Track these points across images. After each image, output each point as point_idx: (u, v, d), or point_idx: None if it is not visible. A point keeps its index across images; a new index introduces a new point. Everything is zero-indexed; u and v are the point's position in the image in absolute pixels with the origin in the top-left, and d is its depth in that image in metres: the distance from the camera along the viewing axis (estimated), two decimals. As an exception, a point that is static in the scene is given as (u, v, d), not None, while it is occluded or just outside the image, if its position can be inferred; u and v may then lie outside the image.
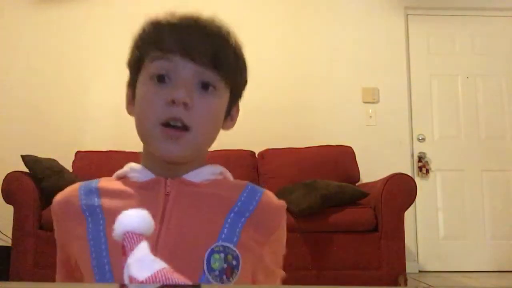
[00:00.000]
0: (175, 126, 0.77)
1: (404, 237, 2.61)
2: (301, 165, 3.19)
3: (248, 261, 0.77)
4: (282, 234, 0.85)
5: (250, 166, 3.27)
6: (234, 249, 0.75)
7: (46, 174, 2.74)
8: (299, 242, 2.60)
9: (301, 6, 3.80)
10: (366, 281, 2.55)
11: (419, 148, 3.71)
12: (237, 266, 0.74)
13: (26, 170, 2.77)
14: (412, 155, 3.70)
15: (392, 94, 3.73)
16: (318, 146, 3.34)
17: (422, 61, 3.82)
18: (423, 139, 3.72)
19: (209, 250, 0.74)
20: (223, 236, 0.76)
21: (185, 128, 0.77)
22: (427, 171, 3.66)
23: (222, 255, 0.74)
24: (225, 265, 0.74)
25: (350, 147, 3.34)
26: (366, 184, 3.05)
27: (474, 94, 3.80)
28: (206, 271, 0.72)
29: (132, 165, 0.87)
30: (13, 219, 2.66)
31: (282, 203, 0.85)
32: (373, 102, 3.70)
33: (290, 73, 3.68)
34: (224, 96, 0.83)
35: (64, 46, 3.70)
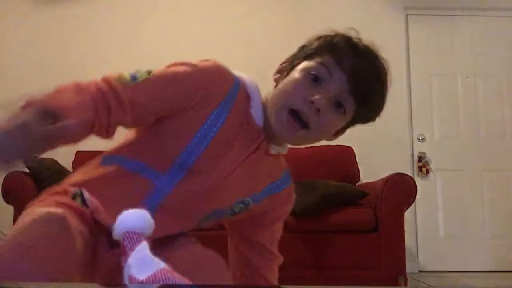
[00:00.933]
0: (299, 119, 0.92)
1: (404, 237, 2.61)
2: (301, 165, 3.19)
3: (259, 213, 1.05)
4: (283, 220, 1.14)
5: (250, 166, 3.27)
6: (254, 204, 1.01)
7: (46, 174, 2.74)
8: (299, 242, 2.60)
9: (301, 6, 3.80)
10: (366, 281, 2.55)
11: (419, 148, 3.71)
12: (244, 211, 1.01)
13: (26, 170, 2.77)
14: (412, 155, 3.70)
15: (392, 94, 3.71)
16: (318, 146, 3.32)
17: (422, 61, 3.82)
18: (423, 139, 3.72)
19: (243, 198, 0.99)
20: (256, 196, 1.02)
21: (305, 125, 0.92)
22: (427, 171, 3.66)
23: (244, 206, 1.00)
24: (241, 209, 1.00)
25: (350, 147, 3.34)
26: (366, 184, 3.05)
27: (474, 94, 3.80)
28: (232, 206, 0.99)
29: (255, 90, 1.03)
30: (13, 219, 2.66)
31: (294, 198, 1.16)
32: (373, 102, 3.70)
33: (290, 73, 3.68)
34: (347, 118, 1.00)
35: (64, 46, 3.70)
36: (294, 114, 0.92)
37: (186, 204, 0.92)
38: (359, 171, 3.27)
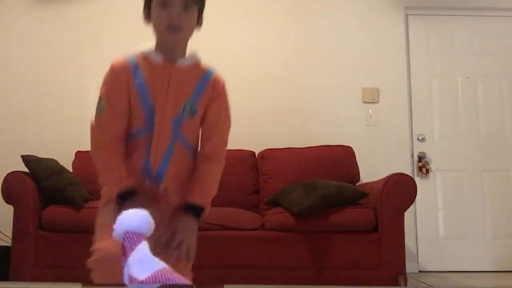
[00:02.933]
0: (173, 28, 1.42)
1: (404, 237, 2.61)
2: (301, 165, 3.19)
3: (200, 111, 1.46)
4: (223, 102, 1.51)
5: (250, 166, 3.27)
6: (195, 104, 1.44)
7: (46, 174, 2.74)
8: (299, 242, 2.60)
9: (301, 6, 3.80)
10: (366, 281, 2.55)
11: (419, 148, 3.71)
12: (195, 111, 1.44)
13: (26, 170, 2.77)
14: (412, 155, 3.70)
15: (392, 94, 3.73)
16: (318, 146, 3.34)
17: (422, 61, 3.82)
18: (423, 139, 3.72)
19: (184, 103, 1.43)
20: (191, 98, 1.45)
21: (178, 29, 1.42)
22: (427, 171, 3.66)
23: (189, 106, 1.43)
24: (190, 110, 1.43)
25: (350, 147, 3.34)
26: (366, 184, 3.05)
27: (474, 94, 3.80)
28: (181, 112, 1.42)
29: (149, 47, 1.50)
30: (13, 219, 2.66)
31: (223, 80, 1.52)
32: (373, 102, 3.70)
33: (290, 73, 3.67)
34: (195, 12, 1.46)
35: (64, 45, 3.70)
36: (169, 28, 1.43)
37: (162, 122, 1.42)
38: (359, 171, 3.27)
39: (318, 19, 3.80)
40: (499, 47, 3.85)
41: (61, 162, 2.99)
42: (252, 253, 2.38)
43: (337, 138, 3.44)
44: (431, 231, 3.62)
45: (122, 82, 1.44)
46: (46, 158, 2.88)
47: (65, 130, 3.58)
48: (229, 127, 1.52)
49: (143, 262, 0.61)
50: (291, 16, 3.77)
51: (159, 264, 0.61)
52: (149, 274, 0.59)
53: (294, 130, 3.61)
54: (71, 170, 3.18)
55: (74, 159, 3.27)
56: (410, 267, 3.30)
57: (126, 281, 0.61)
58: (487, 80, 3.82)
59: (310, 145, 3.34)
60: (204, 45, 3.80)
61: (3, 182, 2.67)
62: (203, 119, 1.47)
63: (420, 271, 3.52)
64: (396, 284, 2.53)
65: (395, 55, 3.78)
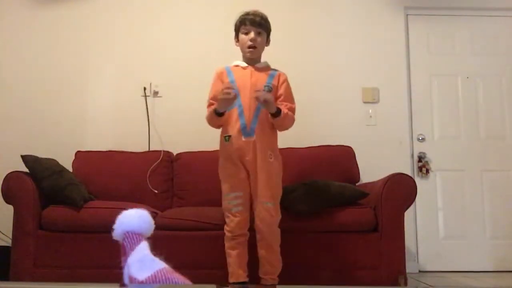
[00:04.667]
0: (251, 47, 2.43)
1: (404, 237, 2.61)
2: (301, 165, 3.19)
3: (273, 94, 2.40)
4: (286, 86, 2.48)
5: (250, 166, 3.27)
6: (269, 86, 2.42)
7: (46, 174, 2.73)
8: (299, 242, 2.60)
9: (300, 6, 3.80)
10: (366, 281, 2.55)
11: (419, 148, 3.71)
12: (271, 88, 2.41)
13: (26, 170, 2.77)
14: (412, 155, 3.70)
15: (392, 94, 3.73)
16: (318, 146, 3.34)
17: (422, 61, 3.82)
18: (423, 139, 3.72)
19: (264, 85, 2.40)
20: (267, 82, 2.43)
21: (254, 47, 2.43)
22: (427, 171, 3.66)
23: (267, 87, 2.40)
24: (268, 88, 2.40)
25: (350, 147, 3.34)
26: (366, 184, 3.05)
27: (474, 94, 3.80)
28: (263, 89, 2.35)
29: (241, 62, 2.48)
30: (13, 219, 2.66)
31: (284, 75, 2.53)
32: (373, 102, 3.70)
33: (290, 73, 3.66)
34: (265, 35, 2.47)
35: (64, 46, 3.70)
36: (249, 47, 2.42)
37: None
38: (359, 171, 3.27)
39: (318, 19, 3.80)
40: (499, 47, 3.85)
41: (61, 162, 2.99)
42: (252, 253, 2.38)
43: (337, 138, 3.44)
44: (431, 231, 3.62)
45: (219, 80, 2.43)
46: (46, 158, 2.88)
47: (65, 130, 3.58)
48: (293, 100, 2.48)
49: (143, 262, 0.61)
50: (291, 16, 3.77)
51: (159, 264, 0.61)
52: (149, 274, 0.59)
53: (294, 130, 3.59)
54: (71, 170, 3.18)
55: (74, 159, 3.27)
56: (410, 267, 3.30)
57: (126, 281, 0.61)
58: (487, 80, 3.82)
59: (310, 145, 3.35)
60: (204, 44, 3.77)
61: (3, 182, 2.67)
62: (277, 98, 2.41)
63: (420, 271, 3.52)
64: (396, 284, 2.53)
65: (395, 55, 3.78)
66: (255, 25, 2.41)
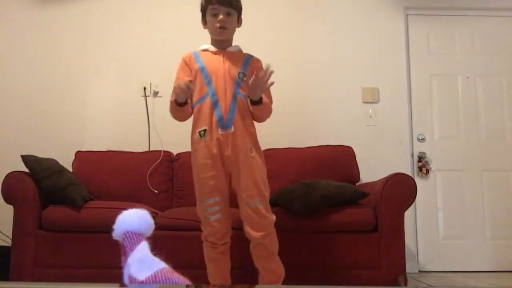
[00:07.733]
0: (222, 27, 2.12)
1: (404, 237, 2.61)
2: (301, 165, 3.19)
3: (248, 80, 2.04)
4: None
5: (250, 166, 3.26)
6: (244, 73, 2.13)
7: (46, 174, 2.73)
8: (299, 242, 2.60)
9: (301, 6, 3.80)
10: (366, 281, 2.55)
11: (419, 148, 3.71)
12: (245, 75, 2.10)
13: (26, 170, 2.77)
14: (412, 155, 3.70)
15: (392, 94, 3.73)
16: (318, 146, 3.34)
17: (422, 61, 3.82)
18: (423, 139, 3.72)
19: (238, 72, 2.13)
20: (242, 69, 2.15)
21: (225, 28, 2.12)
22: (427, 171, 3.66)
23: (242, 74, 2.12)
24: (244, 76, 2.11)
25: (350, 147, 3.34)
26: (366, 184, 3.05)
27: (474, 94, 3.80)
28: (238, 77, 2.11)
29: (209, 45, 2.20)
30: (13, 219, 2.66)
31: (259, 60, 2.24)
32: (373, 102, 3.70)
33: (290, 73, 3.68)
34: (235, 15, 2.16)
35: (64, 46, 3.70)
36: (220, 28, 2.13)
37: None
38: (359, 171, 3.27)
39: (318, 19, 3.80)
40: (499, 47, 3.86)
41: (61, 162, 2.99)
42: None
43: (337, 138, 3.44)
44: (431, 231, 3.62)
45: (187, 67, 2.16)
46: (46, 158, 2.88)
47: (65, 130, 3.58)
48: (269, 88, 2.17)
49: (143, 262, 0.61)
50: (291, 16, 3.77)
51: (159, 264, 0.61)
52: (149, 274, 0.59)
53: (294, 130, 3.61)
54: (71, 170, 3.18)
55: (74, 159, 3.27)
56: (410, 267, 3.30)
57: (126, 281, 0.61)
58: (487, 80, 3.82)
59: (310, 145, 3.35)
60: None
61: (3, 182, 2.67)
62: None
63: (420, 271, 3.52)
64: (396, 284, 2.53)
65: (395, 55, 3.78)
66: (224, 4, 2.09)
